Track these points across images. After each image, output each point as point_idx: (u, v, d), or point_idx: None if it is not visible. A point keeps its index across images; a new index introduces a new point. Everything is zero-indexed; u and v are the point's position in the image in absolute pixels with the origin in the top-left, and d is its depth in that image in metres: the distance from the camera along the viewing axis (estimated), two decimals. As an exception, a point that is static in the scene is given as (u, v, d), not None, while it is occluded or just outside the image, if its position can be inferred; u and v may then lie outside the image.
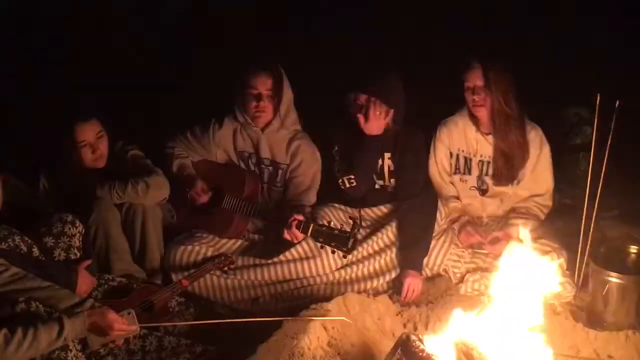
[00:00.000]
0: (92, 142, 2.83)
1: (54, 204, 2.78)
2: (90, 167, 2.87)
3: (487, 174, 3.06)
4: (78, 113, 2.85)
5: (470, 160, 3.07)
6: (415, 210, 2.92)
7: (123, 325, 2.14)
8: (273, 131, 3.05)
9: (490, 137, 3.01)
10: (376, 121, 2.91)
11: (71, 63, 3.62)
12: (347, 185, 2.99)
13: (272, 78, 2.98)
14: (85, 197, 2.78)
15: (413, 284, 2.83)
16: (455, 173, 3.11)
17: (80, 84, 3.49)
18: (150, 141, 3.13)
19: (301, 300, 2.75)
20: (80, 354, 2.16)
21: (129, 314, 2.32)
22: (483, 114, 2.95)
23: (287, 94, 3.02)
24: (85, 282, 2.49)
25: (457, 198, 3.11)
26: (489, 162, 3.04)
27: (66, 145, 2.82)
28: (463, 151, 3.07)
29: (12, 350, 1.92)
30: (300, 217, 2.73)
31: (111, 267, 2.76)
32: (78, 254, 2.60)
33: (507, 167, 2.99)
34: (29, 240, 2.46)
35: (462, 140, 3.06)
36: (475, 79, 2.89)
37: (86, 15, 3.72)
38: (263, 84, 2.97)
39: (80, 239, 2.64)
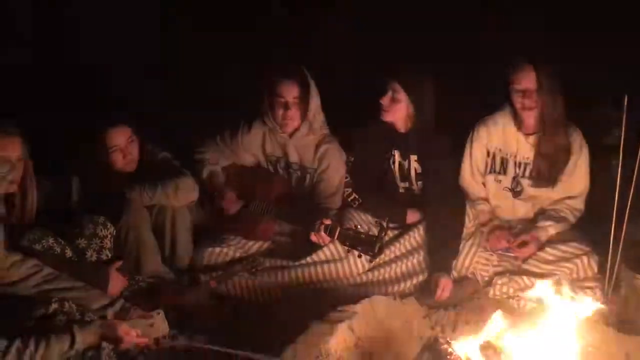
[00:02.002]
0: (123, 146, 2.89)
1: (87, 207, 2.84)
2: (122, 170, 2.93)
3: (524, 176, 3.02)
4: (109, 119, 2.92)
5: (507, 160, 3.03)
6: (443, 212, 2.90)
7: (134, 337, 2.17)
8: (301, 136, 3.08)
9: (531, 138, 2.96)
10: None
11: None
12: (349, 200, 3.04)
13: (298, 85, 2.99)
14: (117, 199, 2.84)
15: (446, 285, 2.81)
16: (489, 172, 3.07)
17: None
18: (178, 145, 3.18)
19: (327, 302, 2.76)
20: (112, 352, 2.21)
21: (158, 314, 2.37)
22: (531, 116, 2.91)
23: (315, 100, 3.03)
24: (116, 282, 2.54)
25: (485, 200, 3.09)
26: (527, 164, 3.00)
27: (98, 150, 2.88)
28: (501, 150, 3.04)
29: None
30: (328, 221, 2.74)
31: (141, 268, 2.80)
32: (109, 255, 2.67)
33: (549, 170, 2.96)
34: (62, 242, 2.54)
35: (501, 139, 3.02)
36: (527, 82, 2.83)
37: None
38: (289, 92, 2.99)
39: (112, 241, 2.70)
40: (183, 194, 2.92)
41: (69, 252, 2.54)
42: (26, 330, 2.12)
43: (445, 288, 2.80)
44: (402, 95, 2.92)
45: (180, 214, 2.93)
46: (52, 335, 2.04)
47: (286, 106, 2.99)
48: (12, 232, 2.39)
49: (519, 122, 2.97)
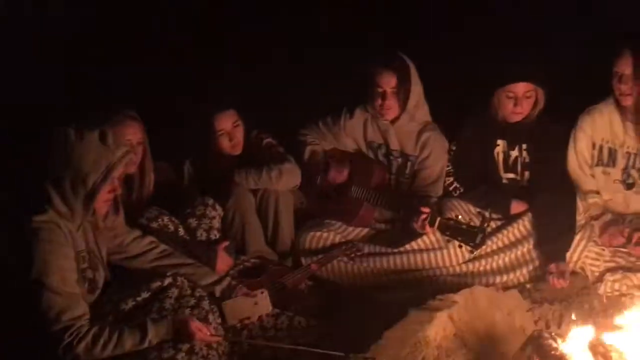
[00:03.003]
0: (229, 131, 3.01)
1: (198, 189, 2.98)
2: (228, 154, 3.05)
3: (634, 167, 2.86)
4: (217, 104, 3.04)
5: (616, 151, 2.88)
6: (553, 204, 2.81)
7: (205, 334, 2.17)
8: (402, 124, 3.06)
9: (638, 128, 2.80)
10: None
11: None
12: (450, 189, 2.98)
13: (396, 76, 2.96)
14: (224, 182, 2.96)
15: (563, 271, 2.72)
16: (597, 165, 2.93)
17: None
18: (282, 130, 3.26)
19: (426, 291, 2.75)
20: (219, 326, 2.32)
21: (262, 293, 2.47)
22: (630, 103, 2.76)
23: (416, 89, 3.00)
24: (223, 261, 2.66)
25: (597, 192, 2.94)
26: (636, 154, 2.84)
27: (207, 134, 3.02)
28: (608, 142, 2.89)
29: (98, 349, 2.04)
30: (428, 210, 2.72)
31: (246, 249, 2.91)
32: (218, 235, 2.79)
33: None
34: (176, 221, 2.68)
35: (607, 130, 2.87)
36: (624, 67, 2.70)
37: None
38: (387, 83, 2.97)
39: (220, 221, 2.83)
40: (286, 179, 3.00)
41: (181, 231, 2.67)
42: (139, 304, 2.27)
43: (563, 274, 2.70)
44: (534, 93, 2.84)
45: (284, 198, 3.01)
46: (126, 327, 2.10)
47: (384, 96, 2.98)
48: (132, 211, 2.56)
49: (624, 111, 2.81)
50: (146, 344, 2.10)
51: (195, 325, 2.16)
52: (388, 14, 3.79)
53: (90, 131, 2.13)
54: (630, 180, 2.89)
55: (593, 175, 2.96)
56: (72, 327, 2.03)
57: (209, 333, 2.19)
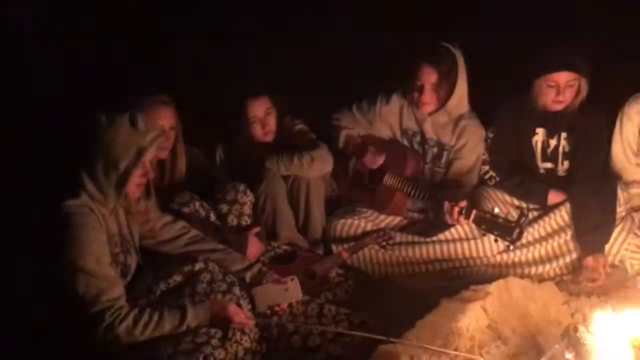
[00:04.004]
0: (262, 117, 3.00)
1: (229, 174, 3.00)
2: (261, 141, 3.04)
3: None
4: (250, 90, 3.03)
5: None
6: (592, 195, 2.72)
7: (243, 318, 2.19)
8: (439, 116, 3.00)
9: None
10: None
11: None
12: (485, 178, 2.92)
13: (437, 72, 2.86)
14: (256, 168, 2.95)
15: (600, 265, 2.65)
16: None
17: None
18: (315, 116, 3.23)
19: (459, 281, 2.71)
20: (250, 313, 2.32)
21: (292, 280, 2.46)
22: None
23: (460, 87, 2.90)
24: (254, 247, 2.66)
25: (640, 184, 2.85)
26: None
27: (240, 120, 3.01)
28: None
29: (139, 330, 2.06)
30: (463, 203, 2.65)
31: (277, 235, 2.91)
32: (249, 221, 2.79)
33: None
34: (207, 206, 2.68)
35: None
36: None
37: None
38: (427, 78, 2.88)
39: (251, 207, 2.83)
40: (318, 165, 2.97)
41: (212, 217, 2.68)
42: (172, 288, 2.28)
43: (602, 267, 2.63)
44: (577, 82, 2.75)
45: (315, 184, 2.99)
46: (166, 309, 2.12)
47: (421, 90, 2.90)
48: (163, 195, 2.57)
49: None
50: (184, 327, 2.11)
51: (233, 308, 2.19)
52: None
53: (120, 115, 2.14)
54: None
55: (638, 164, 2.85)
56: (112, 308, 2.06)
57: (245, 316, 2.21)
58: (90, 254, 2.07)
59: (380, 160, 3.04)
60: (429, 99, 2.92)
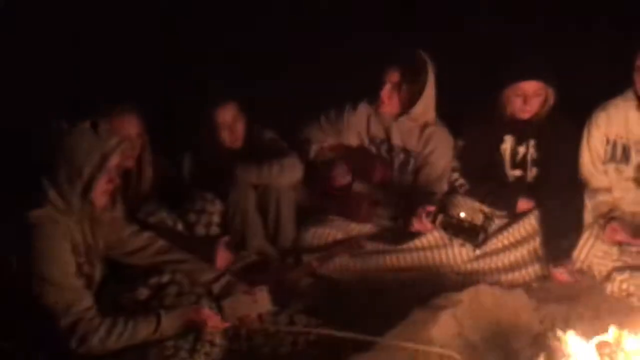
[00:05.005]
0: (230, 124, 2.96)
1: (197, 183, 2.95)
2: (229, 148, 3.00)
3: None
4: (217, 96, 2.99)
5: (630, 148, 2.83)
6: (560, 202, 2.76)
7: (217, 322, 2.19)
8: (405, 121, 3.01)
9: None
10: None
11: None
12: (455, 185, 2.95)
13: (400, 72, 2.90)
14: (225, 177, 2.91)
15: (564, 271, 2.69)
16: (609, 162, 2.88)
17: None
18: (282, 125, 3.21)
19: (430, 289, 2.70)
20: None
21: (261, 290, 2.42)
22: None
23: (428, 94, 2.92)
24: (223, 257, 2.61)
25: (608, 190, 2.89)
26: None
27: (207, 127, 2.97)
28: (622, 138, 2.83)
29: (113, 340, 2.04)
30: (430, 208, 2.68)
31: (247, 245, 2.87)
32: (217, 231, 2.75)
33: None
34: (175, 216, 2.64)
35: (622, 126, 2.82)
36: None
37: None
38: (389, 76, 2.92)
39: (220, 217, 2.79)
40: (288, 174, 2.95)
41: (180, 226, 2.64)
42: (138, 301, 2.24)
43: (562, 278, 2.66)
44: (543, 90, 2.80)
45: (285, 193, 2.96)
46: (140, 317, 2.09)
47: (386, 87, 2.92)
48: (129, 205, 2.51)
49: None
50: (158, 335, 2.09)
51: (207, 312, 2.17)
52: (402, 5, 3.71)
53: (82, 122, 2.10)
54: None
55: (605, 172, 2.91)
56: (83, 320, 2.02)
57: (219, 320, 2.20)
58: (57, 265, 2.03)
59: (346, 180, 3.04)
60: (387, 98, 2.94)
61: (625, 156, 2.84)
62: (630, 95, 2.79)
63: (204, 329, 2.15)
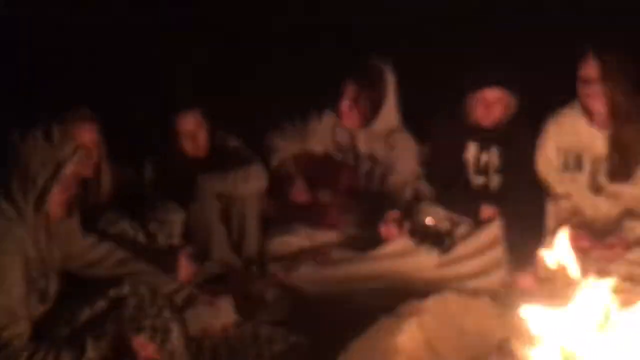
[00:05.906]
0: (193, 131, 2.92)
1: (159, 192, 2.89)
2: (192, 156, 2.96)
3: (601, 172, 2.86)
4: (178, 103, 2.95)
5: (582, 156, 2.87)
6: (523, 209, 2.79)
7: (150, 352, 2.11)
8: (369, 129, 3.02)
9: (604, 132, 2.80)
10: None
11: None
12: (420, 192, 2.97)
13: (357, 86, 2.93)
14: (188, 186, 2.87)
15: (527, 281, 2.71)
16: (564, 170, 2.92)
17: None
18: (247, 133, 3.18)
19: (396, 297, 2.70)
20: (181, 336, 2.22)
21: (225, 301, 2.40)
22: (597, 107, 2.75)
23: (389, 102, 2.95)
24: (186, 268, 2.55)
25: (566, 197, 2.93)
26: (602, 159, 2.84)
27: (169, 134, 2.92)
28: (573, 147, 2.88)
29: None
30: (396, 214, 2.69)
31: (210, 255, 2.83)
32: (179, 241, 2.70)
33: (623, 163, 2.78)
34: (136, 225, 2.59)
35: (573, 135, 2.86)
36: (589, 70, 2.69)
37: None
38: (346, 91, 2.95)
39: (182, 227, 2.74)
40: (252, 182, 2.93)
41: (141, 236, 2.59)
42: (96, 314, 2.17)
43: (526, 284, 2.68)
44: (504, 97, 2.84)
45: (249, 202, 2.94)
46: (64, 345, 2.02)
47: (344, 102, 2.94)
48: (87, 215, 2.44)
49: (590, 115, 2.80)
50: None
51: (139, 342, 2.09)
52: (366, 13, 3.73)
53: (34, 130, 2.04)
54: (598, 186, 2.89)
55: (563, 180, 2.95)
56: (9, 346, 1.95)
57: (153, 351, 2.10)
58: (1, 286, 1.96)
59: (305, 197, 3.03)
60: (347, 112, 2.96)
61: (578, 164, 2.88)
62: (577, 104, 2.83)
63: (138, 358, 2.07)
